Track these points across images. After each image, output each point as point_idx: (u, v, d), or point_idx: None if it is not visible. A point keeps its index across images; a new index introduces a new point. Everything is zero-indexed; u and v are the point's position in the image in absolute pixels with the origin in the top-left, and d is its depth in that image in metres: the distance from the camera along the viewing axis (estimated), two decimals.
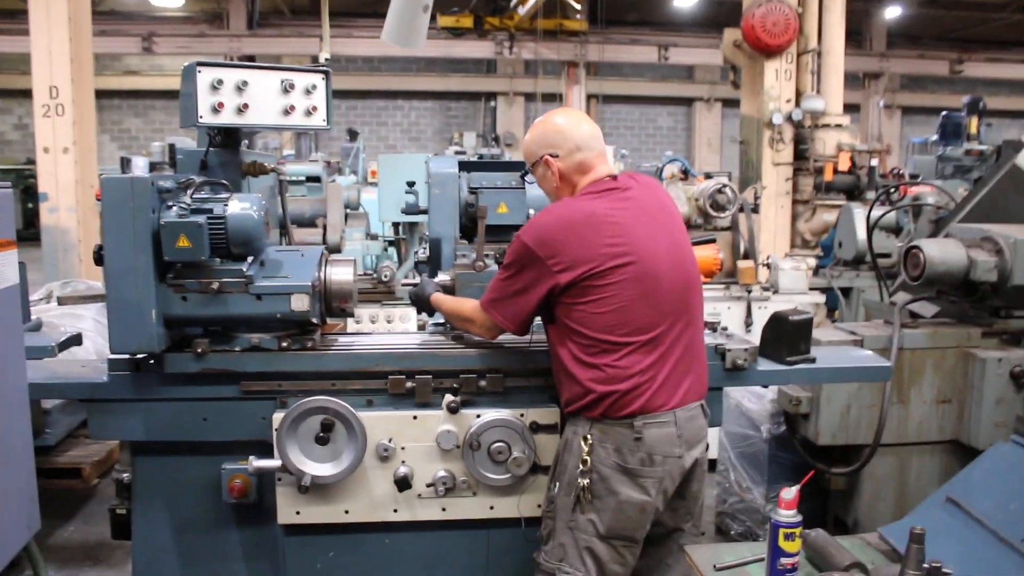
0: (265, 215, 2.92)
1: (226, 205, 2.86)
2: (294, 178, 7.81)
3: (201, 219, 2.77)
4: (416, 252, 3.97)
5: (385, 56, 21.30)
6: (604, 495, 2.66)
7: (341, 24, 19.03)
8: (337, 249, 4.48)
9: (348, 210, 8.13)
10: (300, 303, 2.90)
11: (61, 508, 5.28)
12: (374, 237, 7.52)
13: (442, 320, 3.42)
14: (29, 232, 12.20)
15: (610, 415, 2.64)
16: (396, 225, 8.02)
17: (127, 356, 2.93)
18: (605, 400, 2.63)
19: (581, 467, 2.66)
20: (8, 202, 2.62)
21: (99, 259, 2.80)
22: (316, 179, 7.57)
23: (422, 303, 3.23)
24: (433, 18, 19.46)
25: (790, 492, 2.36)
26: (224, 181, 3.10)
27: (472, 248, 3.42)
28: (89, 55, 8.78)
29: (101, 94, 21.78)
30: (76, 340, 4.07)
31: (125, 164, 3.27)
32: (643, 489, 2.66)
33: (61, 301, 5.07)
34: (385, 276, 5.22)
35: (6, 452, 2.55)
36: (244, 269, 2.88)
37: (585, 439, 2.67)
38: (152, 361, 2.95)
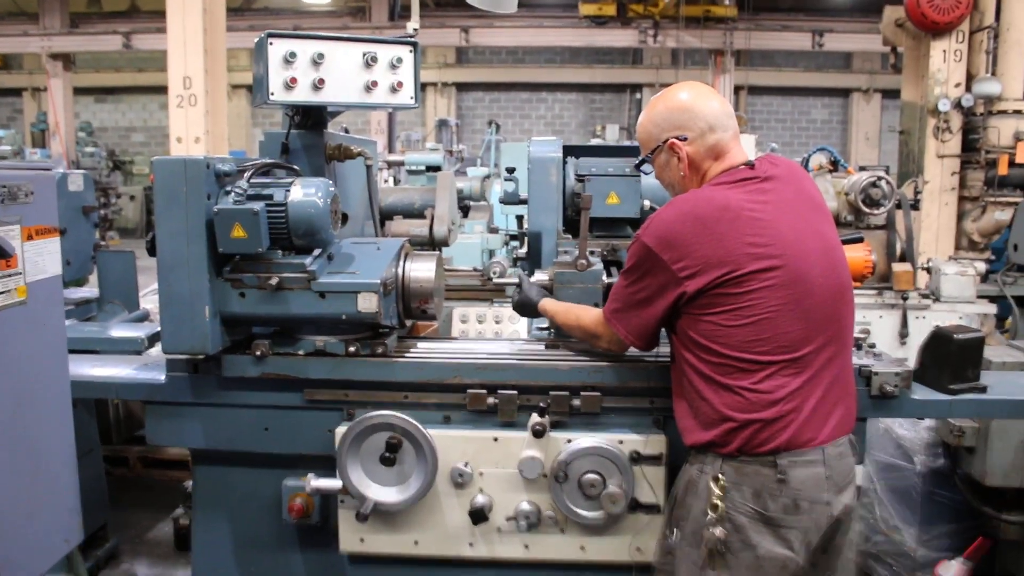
0: (334, 202, 2.62)
1: (288, 191, 2.56)
2: (414, 167, 7.61)
3: (258, 206, 2.50)
4: (515, 247, 3.61)
5: (529, 47, 21.09)
6: (739, 549, 2.20)
7: (483, 15, 18.86)
8: (444, 242, 4.15)
9: (471, 202, 7.89)
10: (368, 303, 2.57)
11: (166, 501, 5.16)
12: (495, 230, 7.22)
13: (546, 324, 3.03)
14: None
15: (748, 451, 2.18)
16: (520, 219, 7.71)
17: (184, 357, 2.68)
18: (744, 431, 2.17)
19: (711, 514, 2.21)
20: (50, 187, 2.38)
21: (152, 249, 2.57)
22: (437, 168, 7.35)
23: (527, 309, 2.86)
24: (574, 6, 19.25)
25: (949, 568, 1.81)
26: (292, 165, 2.85)
27: (575, 243, 3.00)
28: (223, 47, 8.82)
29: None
30: None
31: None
32: (786, 542, 2.19)
33: None
34: (494, 273, 4.90)
35: (39, 460, 2.32)
36: (307, 263, 2.58)
37: (716, 479, 2.21)
38: (210, 363, 2.69)
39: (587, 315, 2.58)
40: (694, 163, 2.37)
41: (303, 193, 2.56)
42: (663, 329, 2.38)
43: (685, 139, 2.35)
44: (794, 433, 2.16)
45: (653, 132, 2.41)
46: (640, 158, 2.52)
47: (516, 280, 2.92)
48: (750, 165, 2.33)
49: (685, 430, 2.32)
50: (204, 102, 8.52)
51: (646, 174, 2.81)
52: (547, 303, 2.77)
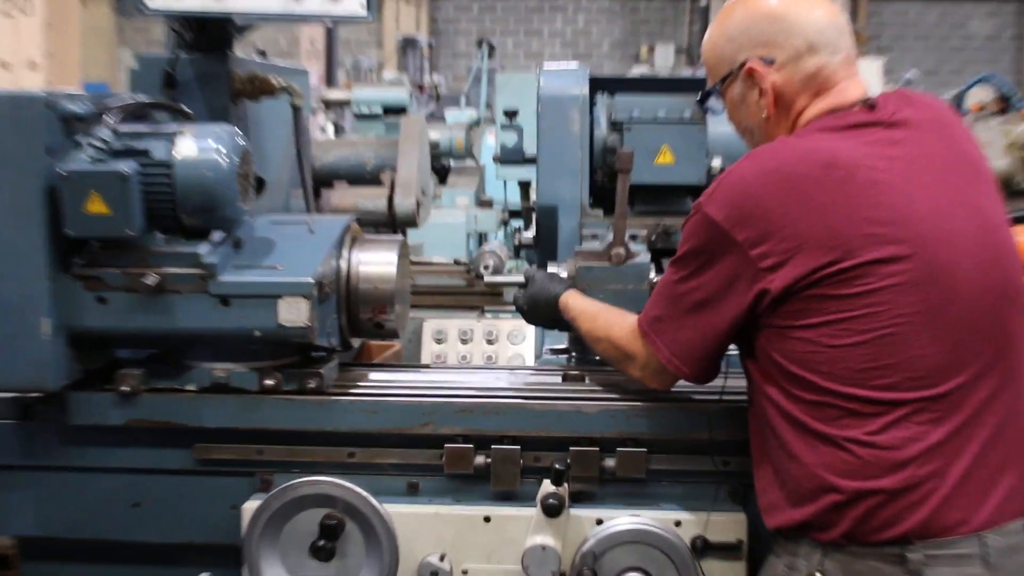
0: (244, 161, 2.66)
1: (173, 143, 2.59)
2: (366, 109, 7.64)
3: (128, 167, 2.51)
4: (518, 229, 3.63)
5: None
6: None
7: None
8: (411, 222, 4.18)
9: (451, 161, 7.92)
10: (294, 312, 2.60)
11: None
12: (487, 203, 7.26)
13: (564, 345, 3.15)
14: None
15: (862, 537, 2.19)
16: (525, 186, 7.77)
17: (9, 395, 2.73)
18: (855, 507, 2.18)
19: None
20: None
21: None
22: (401, 111, 7.36)
23: (541, 308, 2.87)
24: None
25: None
26: (180, 106, 2.90)
27: (609, 223, 3.07)
28: None
29: None
30: None
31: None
32: None
33: None
34: (486, 268, 4.94)
35: None
36: (202, 253, 2.62)
37: None
38: (50, 404, 2.71)
39: (621, 324, 2.60)
40: (783, 98, 2.38)
41: (197, 147, 2.58)
42: (737, 349, 2.41)
43: (772, 62, 2.36)
44: (934, 511, 2.16)
45: (726, 51, 2.43)
46: (705, 89, 2.54)
47: (520, 279, 2.95)
48: (870, 104, 2.33)
49: (769, 507, 2.35)
50: (43, 9, 8.59)
51: (715, 113, 2.82)
52: (572, 299, 2.79)
